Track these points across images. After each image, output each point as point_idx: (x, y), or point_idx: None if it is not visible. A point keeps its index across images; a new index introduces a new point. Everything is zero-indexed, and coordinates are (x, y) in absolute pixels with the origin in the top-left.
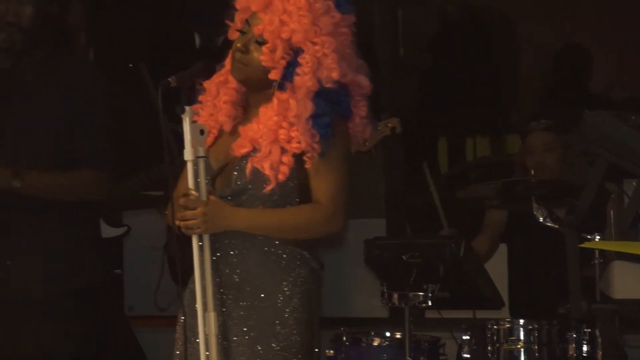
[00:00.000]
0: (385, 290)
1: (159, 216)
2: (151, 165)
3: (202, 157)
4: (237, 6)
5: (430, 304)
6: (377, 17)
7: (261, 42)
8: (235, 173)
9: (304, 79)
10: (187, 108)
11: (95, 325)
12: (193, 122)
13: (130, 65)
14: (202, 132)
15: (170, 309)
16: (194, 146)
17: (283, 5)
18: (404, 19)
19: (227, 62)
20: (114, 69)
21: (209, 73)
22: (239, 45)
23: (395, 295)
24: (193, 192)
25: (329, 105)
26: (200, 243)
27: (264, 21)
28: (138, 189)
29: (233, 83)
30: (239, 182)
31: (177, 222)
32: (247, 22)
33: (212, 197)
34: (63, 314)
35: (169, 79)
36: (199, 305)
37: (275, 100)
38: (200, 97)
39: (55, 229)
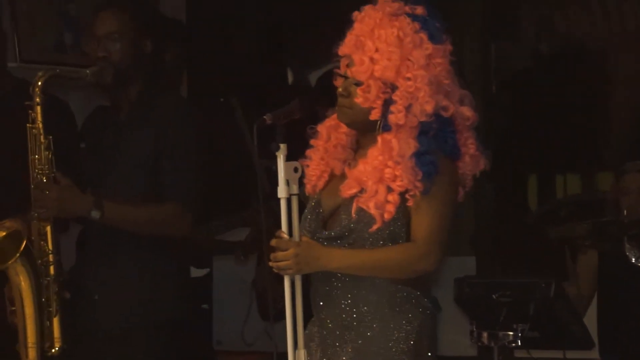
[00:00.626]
0: (475, 329)
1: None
2: (238, 206)
3: (295, 194)
4: (340, 53)
5: (519, 343)
6: (468, 52)
7: (359, 84)
8: (344, 215)
9: (397, 116)
10: (281, 145)
11: (180, 358)
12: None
13: (222, 99)
14: (295, 169)
15: (257, 344)
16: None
17: (374, 44)
18: (496, 55)
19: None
20: (206, 102)
21: (303, 111)
22: (340, 89)
23: (485, 334)
24: (284, 234)
25: (435, 144)
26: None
27: (356, 62)
28: (222, 231)
29: (344, 127)
30: (346, 223)
31: (269, 263)
32: (347, 66)
33: (304, 238)
34: (147, 347)
35: (264, 117)
36: (289, 343)
37: (379, 140)
38: (312, 141)
39: (141, 264)
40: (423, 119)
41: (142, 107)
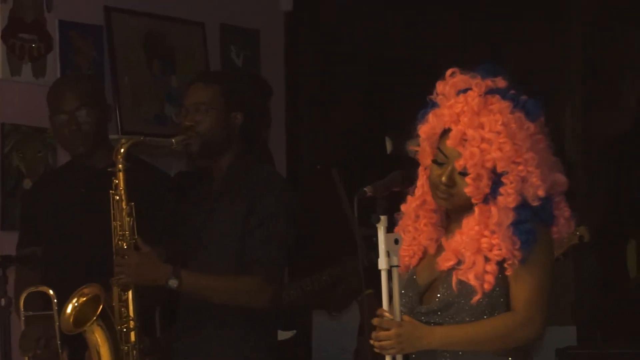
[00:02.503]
0: None
1: (348, 319)
2: (328, 266)
3: (395, 266)
4: (422, 134)
5: None
6: (569, 121)
7: (464, 173)
8: (443, 287)
9: (507, 199)
10: (381, 217)
11: None
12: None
13: (318, 167)
14: (396, 241)
15: None
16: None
17: (479, 134)
18: (597, 123)
19: (421, 184)
20: (304, 171)
21: (404, 183)
22: (443, 179)
23: None
24: (386, 313)
25: (531, 212)
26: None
27: (464, 155)
28: (312, 288)
29: (431, 205)
30: (446, 296)
31: (370, 342)
32: (440, 151)
33: (406, 317)
34: None
35: (365, 189)
36: None
37: (476, 210)
38: (401, 223)
39: (233, 337)
40: (535, 203)
41: (233, 179)
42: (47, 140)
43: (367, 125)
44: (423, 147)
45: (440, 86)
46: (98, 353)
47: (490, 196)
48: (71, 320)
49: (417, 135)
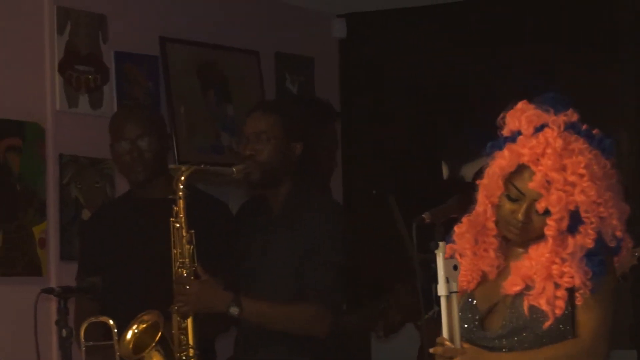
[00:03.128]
0: None
1: (407, 343)
2: (385, 292)
3: (455, 292)
4: (497, 169)
5: None
6: (626, 145)
7: (545, 214)
8: (510, 312)
9: (586, 240)
10: (440, 244)
11: None
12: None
13: (374, 192)
14: (455, 267)
15: None
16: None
17: (562, 177)
18: None
19: (483, 210)
20: (360, 196)
21: (462, 209)
22: (520, 217)
23: None
24: (447, 342)
25: (603, 244)
26: None
27: (548, 199)
28: (369, 316)
29: (493, 230)
30: (515, 321)
31: None
32: (514, 187)
33: (466, 345)
34: None
35: (423, 215)
36: None
37: (550, 240)
38: (457, 246)
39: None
40: (613, 244)
41: (291, 208)
42: (104, 171)
43: (422, 150)
44: (494, 180)
45: (513, 120)
46: None
47: (567, 230)
48: (130, 346)
49: (485, 166)
